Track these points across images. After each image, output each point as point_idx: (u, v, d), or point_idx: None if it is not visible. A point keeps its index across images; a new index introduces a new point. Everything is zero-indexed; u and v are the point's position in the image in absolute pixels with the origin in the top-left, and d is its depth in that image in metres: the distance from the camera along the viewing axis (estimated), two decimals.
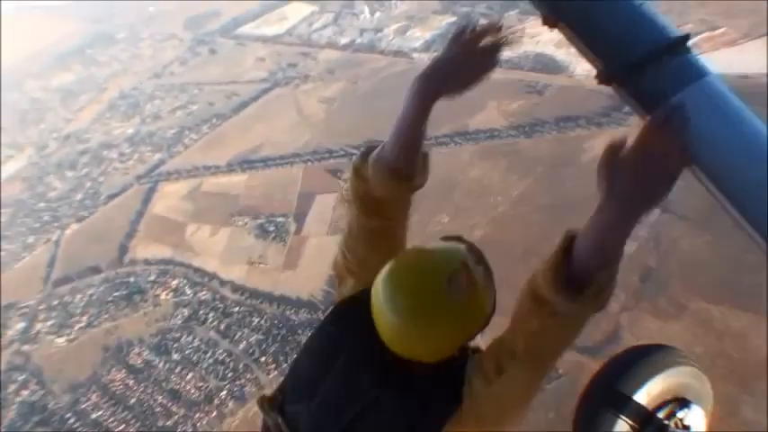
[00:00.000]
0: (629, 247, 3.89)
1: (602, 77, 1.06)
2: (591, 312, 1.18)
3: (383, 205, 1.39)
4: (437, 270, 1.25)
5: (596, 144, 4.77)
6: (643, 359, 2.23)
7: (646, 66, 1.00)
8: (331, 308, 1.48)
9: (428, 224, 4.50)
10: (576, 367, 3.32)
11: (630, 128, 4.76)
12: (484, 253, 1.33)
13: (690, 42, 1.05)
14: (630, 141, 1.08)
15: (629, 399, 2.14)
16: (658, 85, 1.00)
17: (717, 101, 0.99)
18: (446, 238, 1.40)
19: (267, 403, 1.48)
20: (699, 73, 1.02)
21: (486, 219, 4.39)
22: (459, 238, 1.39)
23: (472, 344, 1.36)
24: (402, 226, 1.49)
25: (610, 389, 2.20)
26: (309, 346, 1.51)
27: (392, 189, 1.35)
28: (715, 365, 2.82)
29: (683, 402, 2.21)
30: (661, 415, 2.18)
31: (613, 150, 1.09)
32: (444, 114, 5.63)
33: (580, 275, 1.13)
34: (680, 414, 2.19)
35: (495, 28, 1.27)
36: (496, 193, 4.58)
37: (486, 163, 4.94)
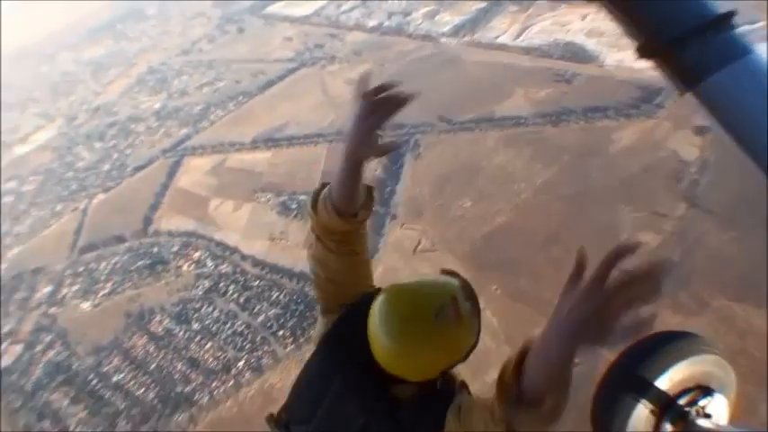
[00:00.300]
0: (654, 239, 3.86)
1: (643, 52, 1.05)
2: (539, 425, 1.16)
3: (335, 235, 1.55)
4: (428, 301, 1.38)
5: (624, 135, 4.71)
6: (667, 345, 2.20)
7: (689, 41, 0.98)
8: (323, 335, 1.58)
9: (450, 208, 4.50)
10: (592, 357, 3.32)
11: (660, 120, 4.70)
12: (475, 291, 1.45)
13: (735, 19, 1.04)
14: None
15: (651, 384, 2.12)
16: (702, 60, 0.99)
17: (762, 78, 0.98)
18: (444, 272, 1.52)
19: (274, 422, 1.60)
20: (743, 50, 1.00)
21: (508, 206, 4.37)
22: (455, 274, 1.51)
23: (459, 376, 1.47)
24: (357, 250, 1.61)
25: (631, 373, 2.17)
26: (305, 373, 1.61)
27: (339, 224, 1.49)
28: (736, 364, 2.79)
29: (705, 390, 2.17)
30: (682, 402, 2.16)
31: (580, 269, 1.07)
32: (470, 100, 5.62)
33: (530, 388, 1.13)
34: (702, 402, 2.15)
35: (388, 88, 1.37)
36: (520, 181, 4.55)
37: (510, 150, 4.90)
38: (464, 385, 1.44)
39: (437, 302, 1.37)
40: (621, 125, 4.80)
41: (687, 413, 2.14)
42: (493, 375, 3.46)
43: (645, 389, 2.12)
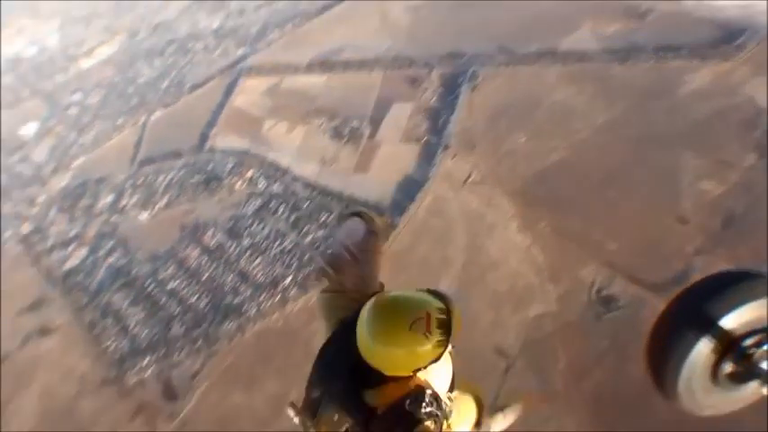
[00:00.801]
0: (716, 188, 3.69)
1: None
2: None
3: None
4: (407, 312, 1.59)
5: (697, 78, 4.43)
6: (738, 283, 2.10)
7: None
8: (319, 352, 1.80)
9: (504, 142, 4.40)
10: (637, 301, 3.28)
11: (738, 63, 4.39)
12: (450, 325, 1.61)
13: None
14: None
15: (715, 322, 2.01)
16: None
17: None
18: (430, 292, 1.70)
19: (295, 410, 1.83)
20: None
21: (565, 143, 4.23)
22: (444, 297, 1.68)
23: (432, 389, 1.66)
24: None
25: (697, 309, 2.06)
26: (312, 374, 1.82)
27: None
28: None
29: None
30: (748, 343, 2.04)
31: None
32: (534, 32, 5.35)
33: None
34: None
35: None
36: (579, 119, 4.38)
37: (572, 86, 4.70)
38: (435, 396, 1.64)
39: (414, 316, 1.57)
40: (695, 66, 4.50)
41: (750, 355, 2.04)
42: (535, 311, 3.49)
43: (709, 326, 2.01)
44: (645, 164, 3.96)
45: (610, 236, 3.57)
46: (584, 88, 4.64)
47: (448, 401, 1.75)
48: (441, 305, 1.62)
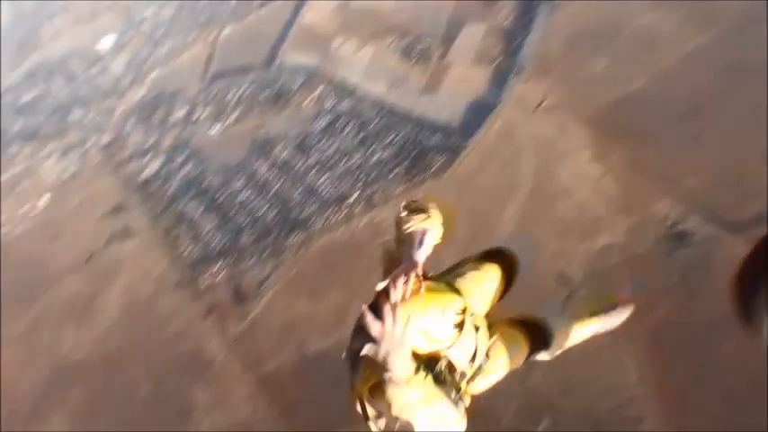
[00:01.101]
0: None
1: None
2: None
3: None
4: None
5: None
6: None
7: None
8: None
9: (581, 67, 4.18)
10: (712, 239, 3.16)
11: None
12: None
13: None
14: None
15: None
16: None
17: None
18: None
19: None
20: None
21: (647, 71, 3.99)
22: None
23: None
24: None
25: None
26: (352, 333, 1.91)
27: None
28: None
29: None
30: None
31: None
32: None
33: None
34: None
35: None
36: (665, 45, 4.10)
37: (660, 10, 4.36)
38: (450, 365, 1.80)
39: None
40: None
41: None
42: (602, 241, 3.39)
43: None
44: (735, 96, 3.70)
45: (689, 170, 3.42)
46: (673, 12, 4.30)
47: (467, 371, 1.93)
48: (461, 303, 1.83)
